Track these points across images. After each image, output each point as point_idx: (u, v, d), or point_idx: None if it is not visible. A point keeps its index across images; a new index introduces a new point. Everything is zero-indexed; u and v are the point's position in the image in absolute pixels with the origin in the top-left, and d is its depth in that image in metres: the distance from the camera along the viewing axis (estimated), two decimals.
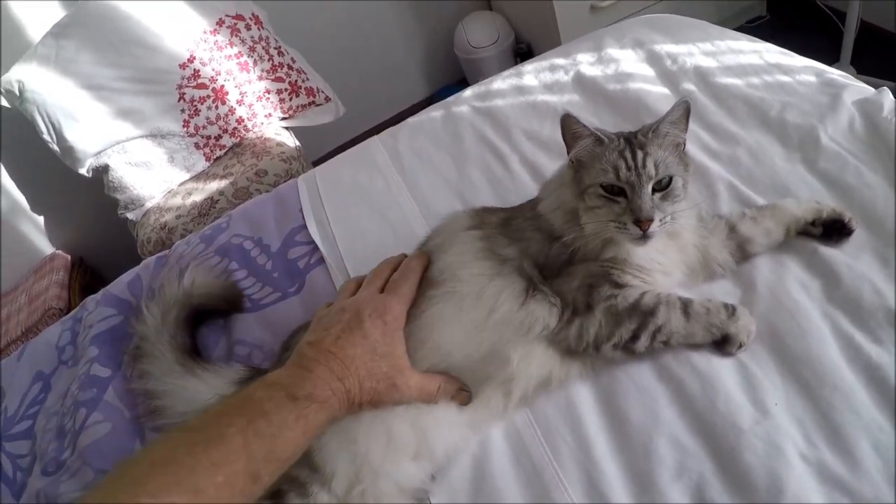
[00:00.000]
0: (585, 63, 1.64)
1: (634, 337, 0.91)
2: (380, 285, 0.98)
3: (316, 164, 2.26)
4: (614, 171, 0.93)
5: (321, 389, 0.83)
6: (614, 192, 0.93)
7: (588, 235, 0.96)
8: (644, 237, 0.91)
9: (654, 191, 0.93)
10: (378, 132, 1.71)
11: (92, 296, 1.60)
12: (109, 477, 0.73)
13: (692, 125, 1.29)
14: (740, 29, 3.34)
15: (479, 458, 0.91)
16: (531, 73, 1.69)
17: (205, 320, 1.29)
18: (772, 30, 3.38)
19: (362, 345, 0.88)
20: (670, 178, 0.94)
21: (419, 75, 3.66)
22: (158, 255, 1.60)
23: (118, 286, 1.56)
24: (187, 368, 1.11)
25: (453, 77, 3.68)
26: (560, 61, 1.69)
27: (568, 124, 0.98)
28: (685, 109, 0.98)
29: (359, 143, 1.71)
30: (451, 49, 3.48)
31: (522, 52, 3.35)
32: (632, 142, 0.96)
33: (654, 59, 1.57)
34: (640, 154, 0.93)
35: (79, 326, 1.54)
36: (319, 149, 3.25)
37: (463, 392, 0.94)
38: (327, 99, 2.82)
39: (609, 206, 0.93)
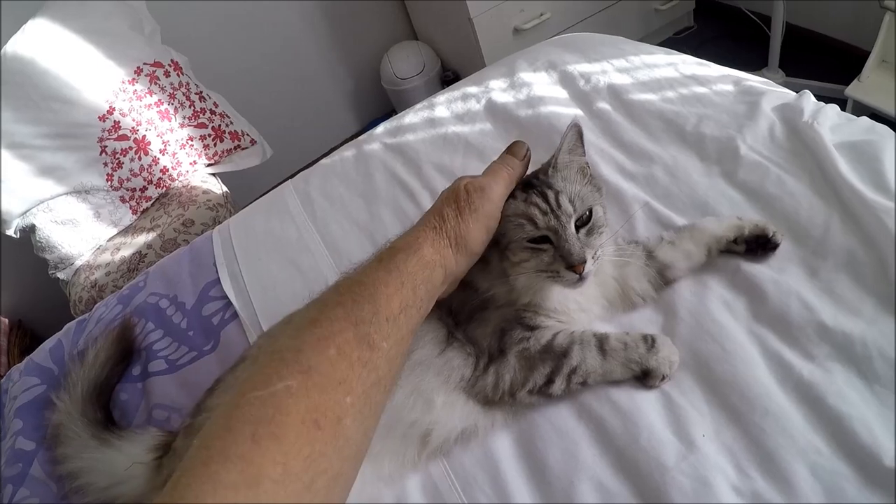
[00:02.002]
0: (497, 90, 1.64)
1: (549, 381, 0.89)
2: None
3: None
4: (531, 222, 0.89)
5: (402, 240, 0.84)
6: (538, 241, 0.90)
7: (520, 289, 0.94)
8: (581, 280, 0.87)
9: (577, 228, 0.89)
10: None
11: (16, 365, 1.58)
12: (225, 382, 0.72)
13: (606, 146, 1.32)
14: (668, 41, 3.40)
15: None
16: (443, 105, 1.68)
17: (115, 385, 1.28)
18: (700, 40, 3.44)
19: (438, 200, 0.91)
20: (590, 210, 0.91)
21: (348, 111, 3.66)
22: (79, 318, 1.58)
23: (41, 354, 1.55)
24: (102, 440, 1.09)
25: (383, 110, 3.69)
26: (472, 89, 1.69)
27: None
28: (577, 132, 0.95)
29: None
30: (379, 82, 3.49)
31: (449, 80, 3.33)
32: (535, 185, 0.93)
33: (567, 81, 1.57)
34: (550, 195, 0.90)
35: (5, 397, 1.51)
36: (250, 193, 3.21)
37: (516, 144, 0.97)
38: (253, 142, 2.80)
39: (537, 257, 0.90)
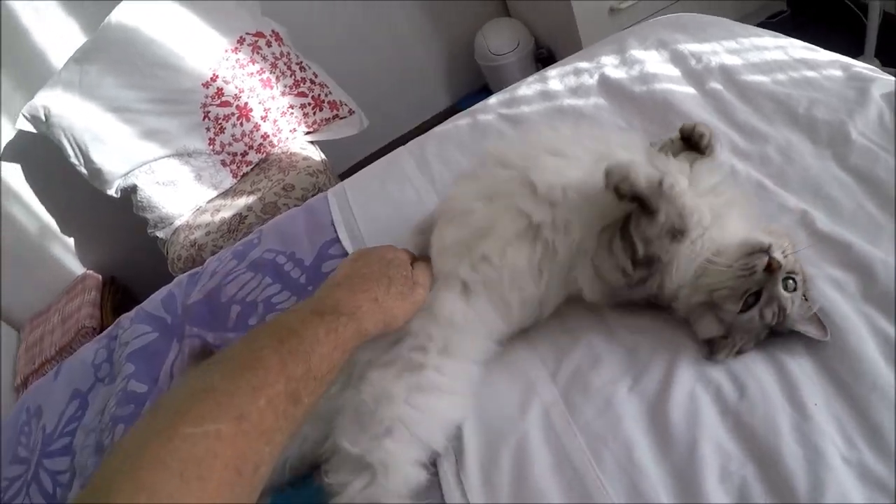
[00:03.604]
0: (610, 65, 1.63)
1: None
2: None
3: (342, 176, 2.27)
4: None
5: (346, 303, 0.85)
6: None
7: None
8: None
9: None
10: (402, 143, 1.72)
11: (126, 314, 1.62)
12: (147, 412, 0.70)
13: (720, 125, 1.31)
14: (761, 25, 3.21)
15: (520, 461, 0.90)
16: (556, 78, 1.68)
17: None
18: (793, 25, 3.31)
19: (374, 270, 0.93)
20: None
21: (441, 85, 3.66)
22: (191, 272, 1.62)
23: (152, 303, 1.58)
24: None
25: (475, 85, 3.67)
26: (584, 65, 1.68)
27: None
28: None
29: (382, 154, 1.72)
30: (472, 57, 3.47)
31: (543, 58, 3.32)
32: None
33: (678, 59, 1.55)
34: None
35: (114, 344, 1.56)
36: (344, 162, 3.26)
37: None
38: (351, 112, 2.83)
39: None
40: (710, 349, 0.90)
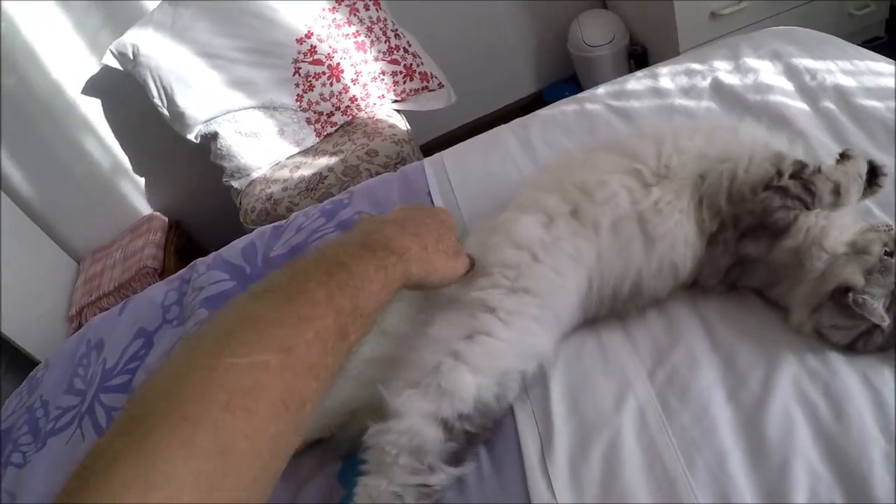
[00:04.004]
0: (723, 70, 1.58)
1: None
2: None
3: (423, 150, 2.23)
4: None
5: (397, 242, 0.81)
6: None
7: None
8: None
9: None
10: (485, 123, 1.70)
11: (202, 258, 1.62)
12: (186, 342, 0.67)
13: (832, 145, 1.27)
14: None
15: (611, 458, 0.88)
16: (667, 76, 1.64)
17: None
18: (889, 51, 3.22)
19: (428, 222, 0.91)
20: None
21: (529, 69, 3.57)
22: (274, 224, 1.60)
23: (231, 251, 1.57)
24: None
25: (563, 74, 3.58)
26: (696, 66, 1.63)
27: None
28: None
29: (463, 133, 1.69)
30: (564, 46, 3.40)
31: (637, 54, 3.24)
32: None
33: (792, 73, 1.50)
34: None
35: (186, 287, 1.56)
36: (421, 136, 3.22)
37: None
38: (440, 85, 2.78)
39: None
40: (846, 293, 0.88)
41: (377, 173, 2.23)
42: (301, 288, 0.68)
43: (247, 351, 0.59)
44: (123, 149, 2.95)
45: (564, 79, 3.56)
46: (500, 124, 1.68)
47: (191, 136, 2.57)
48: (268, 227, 1.59)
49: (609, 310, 1.04)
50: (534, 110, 1.69)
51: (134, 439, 0.51)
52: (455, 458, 0.88)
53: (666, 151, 1.03)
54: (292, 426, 0.60)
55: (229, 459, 0.53)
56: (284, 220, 1.59)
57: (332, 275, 0.71)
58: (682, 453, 0.85)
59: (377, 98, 2.67)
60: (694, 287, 1.04)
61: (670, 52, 2.74)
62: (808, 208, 0.94)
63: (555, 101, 1.71)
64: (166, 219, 3.07)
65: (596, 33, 3.23)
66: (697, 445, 0.85)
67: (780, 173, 0.96)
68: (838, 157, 1.03)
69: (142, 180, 3.07)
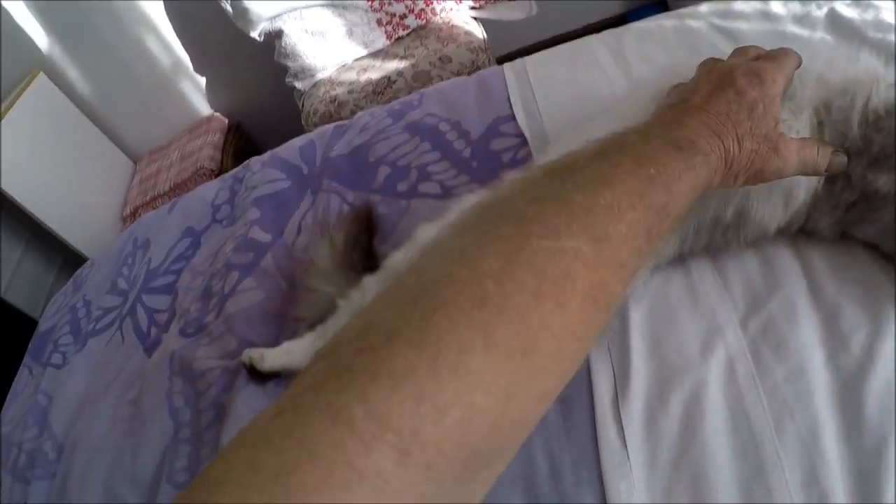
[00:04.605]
0: (840, 1, 1.42)
1: None
2: (753, 55, 0.80)
3: (497, 62, 2.10)
4: None
5: (704, 142, 0.65)
6: None
7: None
8: None
9: None
10: (562, 41, 1.56)
11: (257, 157, 1.53)
12: (460, 225, 0.55)
13: None
14: None
15: (692, 410, 0.79)
16: (779, 0, 1.48)
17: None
18: None
19: (737, 102, 0.69)
20: None
21: None
22: (337, 123, 1.50)
23: (289, 150, 1.49)
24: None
25: None
26: None
27: None
28: None
29: (539, 48, 1.55)
30: None
31: None
32: None
33: None
34: None
35: (239, 186, 1.49)
36: (498, 48, 3.07)
37: (837, 155, 0.77)
38: None
39: None
40: None
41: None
42: (610, 173, 0.57)
43: (556, 234, 0.49)
44: (184, 47, 2.90)
45: (651, 2, 3.35)
46: None
47: (254, 34, 2.49)
48: (329, 126, 1.50)
49: (707, 241, 0.92)
50: None
51: (415, 317, 0.43)
52: None
53: None
54: (594, 331, 0.51)
55: (535, 361, 0.45)
56: (348, 121, 1.49)
57: (642, 165, 0.58)
58: (773, 416, 0.76)
59: (454, 2, 2.55)
60: (800, 234, 0.92)
61: None
62: None
63: None
64: (226, 120, 3.03)
65: None
66: (790, 409, 0.77)
67: None
68: None
69: (202, 80, 3.02)
